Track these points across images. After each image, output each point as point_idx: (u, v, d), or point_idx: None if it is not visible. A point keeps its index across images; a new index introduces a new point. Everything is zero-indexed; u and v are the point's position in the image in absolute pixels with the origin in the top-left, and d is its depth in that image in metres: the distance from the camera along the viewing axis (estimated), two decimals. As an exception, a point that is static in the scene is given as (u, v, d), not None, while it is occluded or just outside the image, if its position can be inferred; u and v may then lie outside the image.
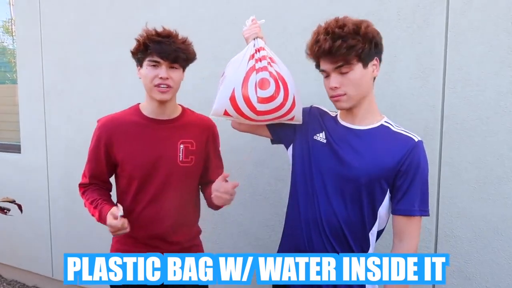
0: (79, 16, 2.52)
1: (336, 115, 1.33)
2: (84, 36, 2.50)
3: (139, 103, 1.53)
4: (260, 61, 1.24)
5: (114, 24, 2.35)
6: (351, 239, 1.23)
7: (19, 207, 1.73)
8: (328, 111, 1.37)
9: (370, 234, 1.25)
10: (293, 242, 1.33)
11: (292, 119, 1.31)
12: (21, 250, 3.03)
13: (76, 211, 2.61)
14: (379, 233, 1.29)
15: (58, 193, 2.73)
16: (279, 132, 1.40)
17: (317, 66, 1.24)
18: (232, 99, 1.24)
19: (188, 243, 1.57)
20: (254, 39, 1.29)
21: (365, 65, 1.16)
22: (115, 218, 1.31)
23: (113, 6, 2.37)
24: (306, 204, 1.28)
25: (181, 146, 1.48)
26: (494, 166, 1.51)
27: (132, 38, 1.43)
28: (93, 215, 1.45)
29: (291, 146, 1.37)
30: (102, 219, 1.39)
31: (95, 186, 1.52)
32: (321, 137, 1.28)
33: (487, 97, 1.50)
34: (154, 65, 1.38)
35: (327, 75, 1.20)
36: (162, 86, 1.38)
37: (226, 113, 1.28)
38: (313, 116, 1.35)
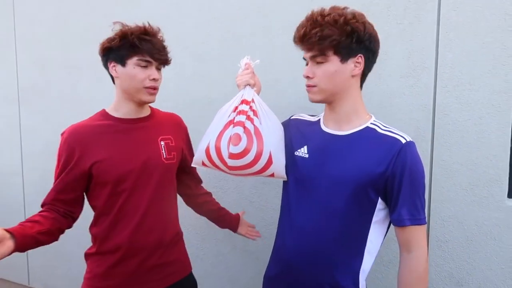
0: (57, 12, 2.40)
1: (319, 119, 1.25)
2: (63, 33, 2.39)
3: (104, 109, 1.41)
4: (240, 114, 1.21)
5: (94, 21, 2.25)
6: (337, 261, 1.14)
7: None
8: (308, 118, 1.30)
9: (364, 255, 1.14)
10: (278, 257, 1.28)
11: (272, 175, 1.24)
12: (-4, 257, 2.90)
13: (52, 216, 2.49)
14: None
15: (33, 197, 2.61)
16: None
17: None
18: (207, 151, 1.24)
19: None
20: (244, 87, 1.25)
21: (343, 59, 1.09)
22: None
23: (92, 1, 2.26)
24: (286, 219, 1.24)
25: (162, 142, 1.42)
26: (487, 168, 1.46)
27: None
28: None
29: None
30: None
31: (51, 208, 1.34)
32: (302, 152, 1.21)
33: (480, 96, 1.45)
34: (145, 66, 1.31)
35: (307, 63, 1.16)
36: (152, 88, 1.33)
37: (203, 164, 1.29)
38: (293, 129, 1.29)
